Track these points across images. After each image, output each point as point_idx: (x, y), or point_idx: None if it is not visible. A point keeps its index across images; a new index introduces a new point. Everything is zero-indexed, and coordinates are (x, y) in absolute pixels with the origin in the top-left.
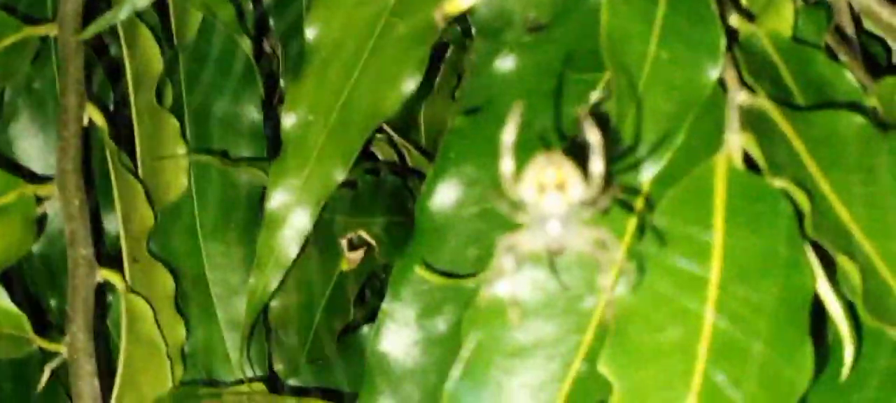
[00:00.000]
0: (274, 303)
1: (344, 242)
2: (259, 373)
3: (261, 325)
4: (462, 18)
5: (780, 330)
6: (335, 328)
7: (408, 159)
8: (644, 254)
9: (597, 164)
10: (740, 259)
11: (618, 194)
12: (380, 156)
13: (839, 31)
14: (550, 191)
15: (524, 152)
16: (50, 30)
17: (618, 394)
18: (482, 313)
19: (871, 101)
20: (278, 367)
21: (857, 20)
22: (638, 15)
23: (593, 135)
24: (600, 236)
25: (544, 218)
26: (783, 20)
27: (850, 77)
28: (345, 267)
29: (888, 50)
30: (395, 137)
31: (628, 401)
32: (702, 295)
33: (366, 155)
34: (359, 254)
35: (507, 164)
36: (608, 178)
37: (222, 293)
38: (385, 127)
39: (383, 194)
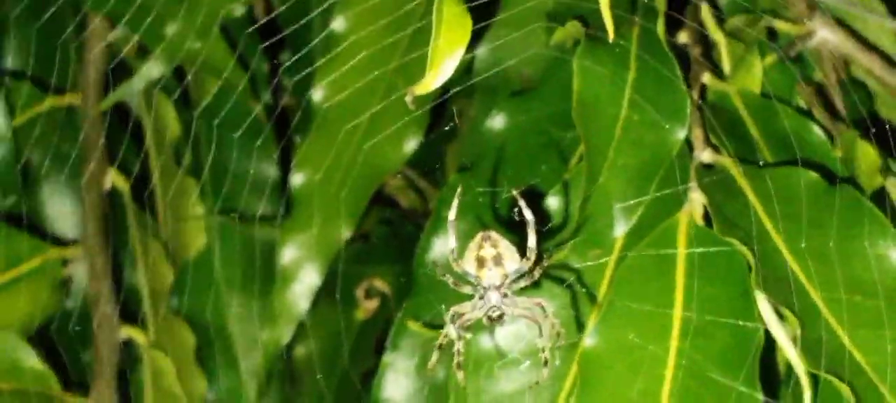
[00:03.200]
0: (297, 351)
1: (360, 292)
2: None
3: (284, 373)
4: None
5: (732, 376)
6: (356, 374)
7: (430, 203)
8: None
9: (530, 240)
10: (698, 310)
11: (546, 268)
12: (402, 203)
13: (820, 84)
14: (489, 266)
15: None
16: (73, 99)
17: None
18: (469, 363)
19: (837, 153)
20: None
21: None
22: (608, 80)
23: (527, 214)
24: (536, 303)
25: (485, 289)
26: (753, 77)
27: (817, 130)
28: (361, 316)
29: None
30: (419, 182)
31: None
32: (664, 345)
33: (385, 201)
34: (374, 303)
35: (451, 241)
36: (540, 253)
37: (242, 344)
38: (408, 172)
39: (398, 243)
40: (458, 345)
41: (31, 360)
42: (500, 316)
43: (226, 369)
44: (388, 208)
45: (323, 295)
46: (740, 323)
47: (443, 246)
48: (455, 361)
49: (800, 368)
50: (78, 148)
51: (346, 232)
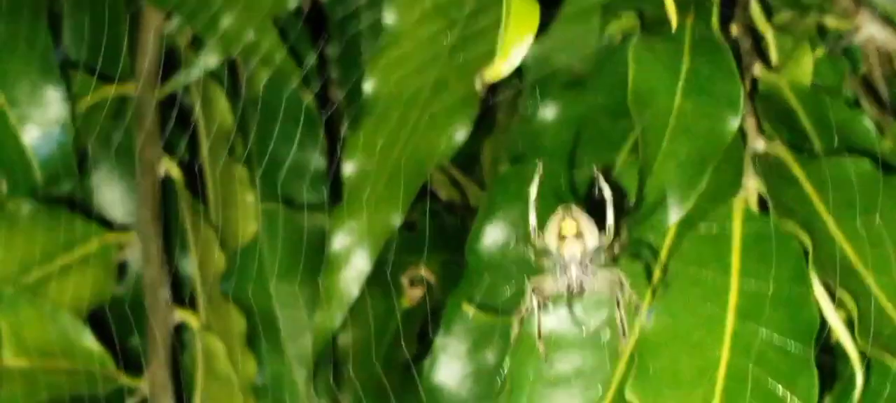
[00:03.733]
0: (341, 339)
1: (405, 280)
2: None
3: (329, 360)
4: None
5: (787, 361)
6: (399, 361)
7: (469, 197)
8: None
9: (609, 217)
10: (753, 295)
11: (626, 243)
12: (442, 196)
13: (866, 77)
14: (570, 240)
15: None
16: (129, 89)
17: None
18: (523, 346)
19: (886, 144)
20: (344, 400)
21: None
22: (663, 69)
23: (606, 192)
24: (614, 277)
25: (564, 263)
26: (803, 69)
27: (867, 122)
28: (406, 304)
29: None
30: (458, 176)
31: None
32: (720, 329)
33: (427, 195)
34: (419, 291)
35: (532, 217)
36: (618, 229)
37: (291, 330)
38: (448, 166)
39: (442, 233)
40: (539, 317)
41: (87, 340)
42: (581, 290)
43: (274, 354)
44: (431, 201)
45: (368, 283)
46: (796, 305)
47: (494, 232)
48: (537, 331)
49: (852, 349)
50: (133, 136)
51: (396, 220)
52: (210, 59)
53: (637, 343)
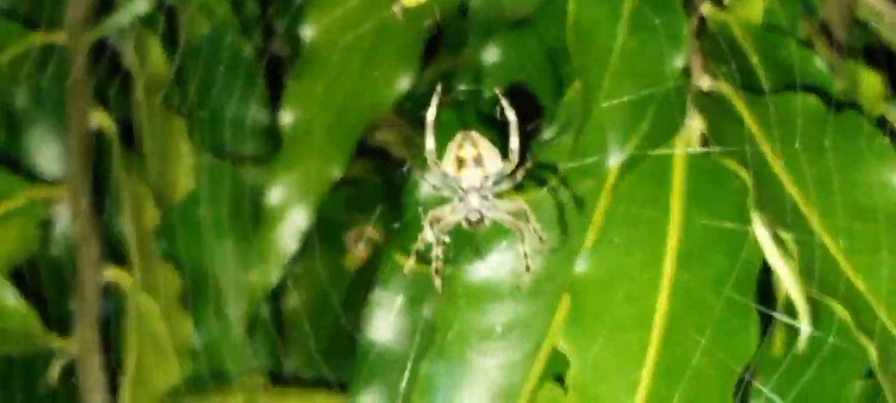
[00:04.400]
0: (289, 301)
1: (350, 239)
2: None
3: (270, 322)
4: None
5: (728, 304)
6: (349, 323)
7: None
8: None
9: (513, 141)
10: (694, 237)
11: (530, 168)
12: (394, 155)
13: (824, 22)
14: (469, 166)
15: None
16: (57, 37)
17: (575, 369)
18: (457, 297)
19: (839, 85)
20: (289, 363)
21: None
22: (605, 6)
23: (509, 114)
24: (517, 207)
25: (463, 191)
26: (753, 9)
27: (818, 61)
28: (351, 263)
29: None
30: (413, 136)
31: (585, 376)
32: (657, 272)
33: (374, 151)
34: (364, 251)
35: (429, 141)
36: (523, 155)
37: (229, 289)
38: (400, 122)
39: (390, 191)
40: (437, 251)
41: (12, 299)
42: (480, 220)
43: (212, 312)
44: (381, 158)
45: (314, 243)
46: (736, 247)
47: (432, 180)
48: (433, 267)
49: (795, 290)
50: (62, 87)
51: (336, 171)
52: (140, 4)
53: (571, 288)
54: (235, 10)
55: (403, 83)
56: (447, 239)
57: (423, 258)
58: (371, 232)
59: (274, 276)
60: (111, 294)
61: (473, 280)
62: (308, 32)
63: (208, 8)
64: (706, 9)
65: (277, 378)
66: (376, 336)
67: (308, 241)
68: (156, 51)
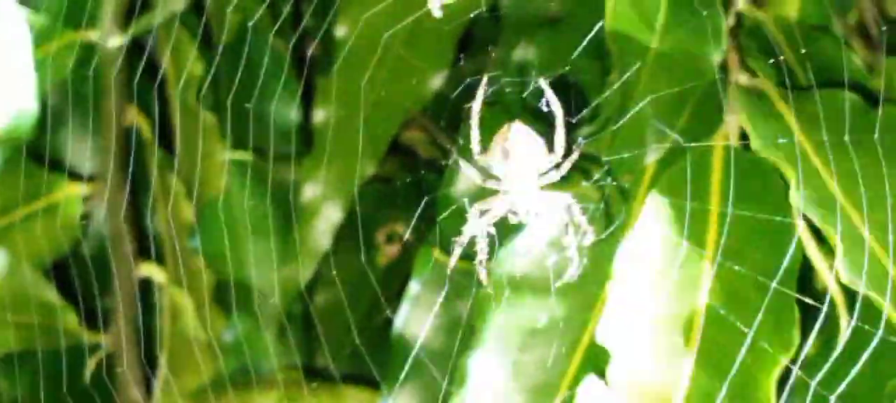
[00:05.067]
0: (318, 298)
1: (381, 237)
2: (300, 363)
3: (301, 318)
4: None
5: (770, 298)
6: (380, 320)
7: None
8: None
9: (559, 133)
10: (733, 232)
11: (576, 161)
12: (422, 155)
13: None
14: (515, 158)
15: None
16: (94, 35)
17: (616, 362)
18: (498, 293)
19: (877, 82)
20: (321, 359)
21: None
22: (642, 4)
23: (555, 106)
24: (564, 200)
25: (509, 182)
26: (789, 5)
27: (855, 58)
28: (382, 261)
29: None
30: (438, 137)
31: (626, 368)
32: (697, 268)
33: (405, 152)
34: (396, 248)
35: (475, 132)
36: (569, 148)
37: (262, 286)
38: (428, 125)
39: (419, 190)
40: (482, 243)
41: (49, 294)
42: (526, 212)
43: (245, 309)
44: (411, 158)
45: (345, 240)
46: (777, 241)
47: (468, 182)
48: (477, 259)
49: (835, 287)
50: (99, 85)
51: (368, 168)
52: (176, 3)
53: (609, 284)
54: (269, 10)
55: (436, 81)
56: (492, 231)
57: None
58: (401, 229)
59: (306, 273)
60: (148, 291)
61: (514, 275)
62: (341, 31)
63: (243, 8)
64: (742, 4)
65: (309, 374)
66: (411, 331)
67: (339, 238)
68: (190, 50)
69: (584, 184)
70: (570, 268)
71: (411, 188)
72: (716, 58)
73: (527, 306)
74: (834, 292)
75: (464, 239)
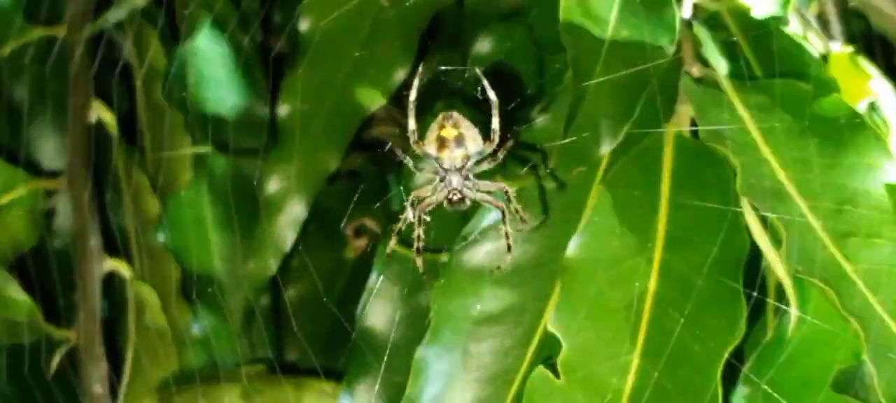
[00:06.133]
0: (289, 292)
1: (349, 231)
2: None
3: (269, 313)
4: None
5: (716, 287)
6: (348, 314)
7: None
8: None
9: (494, 121)
10: (683, 221)
11: (511, 148)
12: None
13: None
14: (451, 147)
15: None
16: (58, 30)
17: (566, 352)
18: (452, 283)
19: (831, 71)
20: (290, 353)
21: None
22: None
23: (490, 94)
24: (499, 188)
25: (446, 170)
26: None
27: (809, 48)
28: (351, 255)
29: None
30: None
31: (575, 358)
32: (647, 255)
33: (373, 145)
34: (364, 242)
35: (411, 122)
36: (504, 135)
37: (228, 279)
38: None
39: (387, 182)
40: (418, 231)
41: (12, 290)
42: (461, 200)
43: (211, 303)
44: (378, 152)
45: (314, 234)
46: (724, 230)
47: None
48: (415, 247)
49: (783, 273)
50: (63, 80)
51: (332, 163)
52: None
53: (561, 274)
54: (234, 5)
55: (398, 76)
56: (428, 220)
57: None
58: (369, 223)
59: (271, 267)
60: (114, 286)
61: (468, 266)
62: (304, 26)
63: (208, 2)
64: None
65: (277, 368)
66: (371, 323)
67: (307, 233)
68: (155, 44)
69: (522, 171)
70: (506, 256)
71: (380, 182)
72: (668, 49)
73: (480, 296)
74: (783, 281)
75: (401, 225)
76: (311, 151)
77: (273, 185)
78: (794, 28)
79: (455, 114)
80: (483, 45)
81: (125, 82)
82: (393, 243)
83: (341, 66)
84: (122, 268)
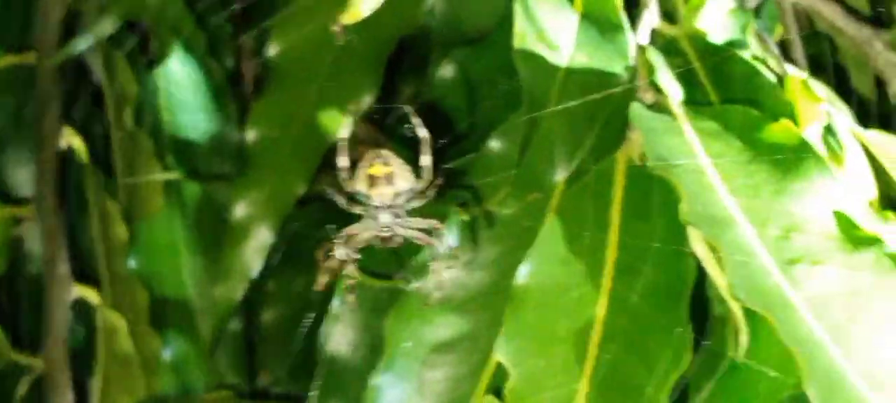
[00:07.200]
0: (263, 316)
1: (320, 256)
2: (237, 384)
3: (241, 338)
4: None
5: (664, 315)
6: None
7: None
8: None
9: (424, 158)
10: (633, 249)
11: (439, 186)
12: None
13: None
14: (380, 184)
15: None
16: (27, 58)
17: (513, 381)
18: (402, 311)
19: (785, 95)
20: (263, 379)
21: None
22: (552, 20)
23: (420, 131)
24: (429, 225)
25: (376, 208)
26: (704, 22)
27: (766, 73)
28: (323, 278)
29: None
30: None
31: (522, 388)
32: (596, 284)
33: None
34: (336, 267)
35: (341, 159)
36: (434, 172)
37: (199, 304)
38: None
39: None
40: (349, 268)
41: None
42: (391, 237)
43: (182, 329)
44: None
45: (284, 259)
46: (672, 259)
47: None
48: (345, 284)
49: (734, 304)
50: (32, 106)
51: (299, 188)
52: (105, 26)
53: (511, 299)
54: (204, 29)
55: (365, 100)
56: (358, 257)
57: (380, 274)
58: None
59: (238, 293)
60: (81, 311)
61: (421, 293)
62: (272, 51)
63: (178, 28)
64: (656, 22)
65: (250, 394)
66: (334, 349)
67: (281, 257)
68: (124, 70)
69: (455, 206)
70: (436, 293)
71: None
72: (623, 76)
73: (434, 323)
74: (734, 308)
75: (332, 263)
76: (279, 177)
77: (240, 211)
78: (755, 50)
79: (384, 152)
80: (446, 71)
81: (97, 108)
82: (322, 280)
83: (308, 91)
84: (90, 295)
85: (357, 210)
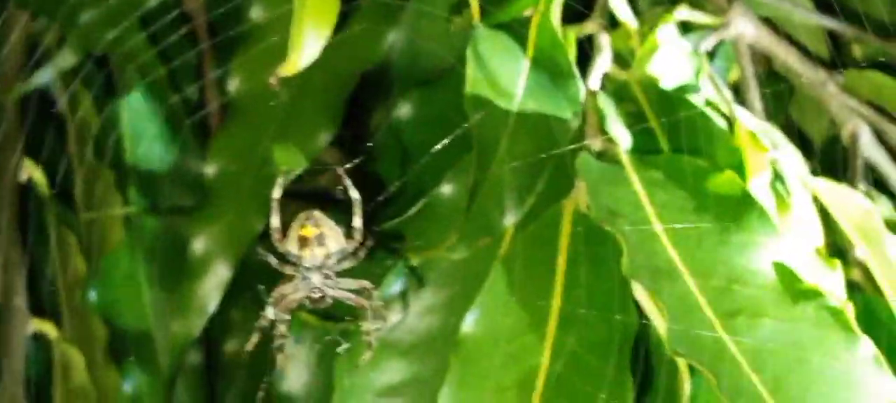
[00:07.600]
0: (226, 349)
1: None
2: None
3: (201, 372)
4: None
5: (605, 366)
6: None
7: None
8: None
9: (356, 220)
10: (577, 298)
11: (370, 248)
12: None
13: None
14: (311, 245)
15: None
16: None
17: None
18: (349, 356)
19: (735, 142)
20: None
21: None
22: (503, 68)
23: (352, 193)
24: (360, 285)
25: (307, 269)
26: (657, 66)
27: (717, 119)
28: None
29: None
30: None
31: None
32: (541, 332)
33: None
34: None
35: (274, 219)
36: (365, 233)
37: (158, 339)
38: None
39: None
40: (281, 328)
41: None
42: (321, 298)
43: (141, 362)
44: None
45: (244, 294)
46: (616, 309)
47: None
48: (275, 344)
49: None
50: None
51: (257, 225)
52: (66, 58)
53: (455, 351)
54: (167, 62)
55: (323, 137)
56: (288, 318)
57: (331, 315)
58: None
59: (197, 328)
60: (39, 345)
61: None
62: (233, 85)
63: (141, 63)
64: (608, 68)
65: None
66: (287, 389)
67: (242, 291)
68: (86, 102)
69: (388, 263)
70: (366, 353)
71: None
72: (573, 122)
73: (382, 368)
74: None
75: (263, 322)
76: (237, 212)
77: (199, 245)
78: (708, 94)
79: (316, 213)
80: (402, 111)
81: (59, 141)
82: (252, 340)
83: (266, 126)
84: (48, 329)
85: (288, 270)
